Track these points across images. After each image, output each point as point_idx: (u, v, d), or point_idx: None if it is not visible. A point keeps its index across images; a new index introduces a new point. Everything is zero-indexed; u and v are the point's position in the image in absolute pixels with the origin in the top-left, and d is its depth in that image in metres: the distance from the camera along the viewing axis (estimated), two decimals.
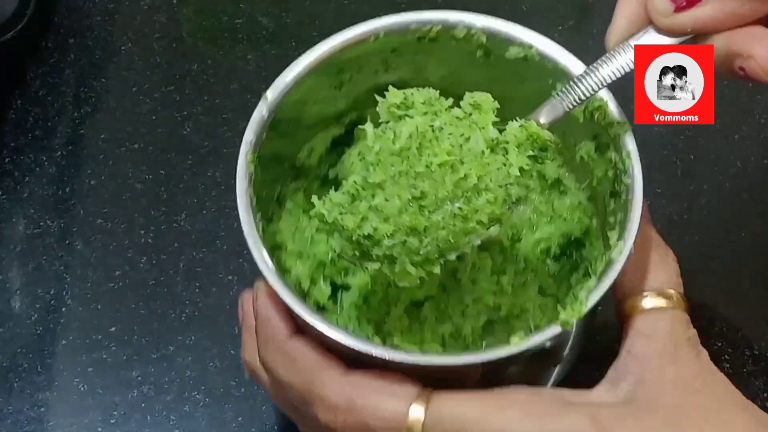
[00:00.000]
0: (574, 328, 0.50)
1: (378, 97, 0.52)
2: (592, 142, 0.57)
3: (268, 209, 0.59)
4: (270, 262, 0.52)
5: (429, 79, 0.60)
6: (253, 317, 0.55)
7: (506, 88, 0.60)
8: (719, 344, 0.69)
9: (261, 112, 0.56)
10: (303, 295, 0.57)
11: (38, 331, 0.70)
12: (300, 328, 0.52)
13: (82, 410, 0.68)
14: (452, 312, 0.58)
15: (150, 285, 0.72)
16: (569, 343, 0.55)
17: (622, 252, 0.51)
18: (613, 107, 0.55)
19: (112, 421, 0.67)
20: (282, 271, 0.53)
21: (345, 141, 0.62)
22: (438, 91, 0.52)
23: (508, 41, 0.57)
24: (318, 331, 0.50)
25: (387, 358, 0.49)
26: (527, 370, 0.54)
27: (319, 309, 0.58)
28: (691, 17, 0.47)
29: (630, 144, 0.54)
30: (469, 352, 0.52)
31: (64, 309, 0.71)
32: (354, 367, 0.51)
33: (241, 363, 0.68)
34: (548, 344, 0.50)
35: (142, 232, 0.74)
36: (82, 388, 0.68)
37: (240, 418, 0.67)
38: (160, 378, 0.69)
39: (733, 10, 0.47)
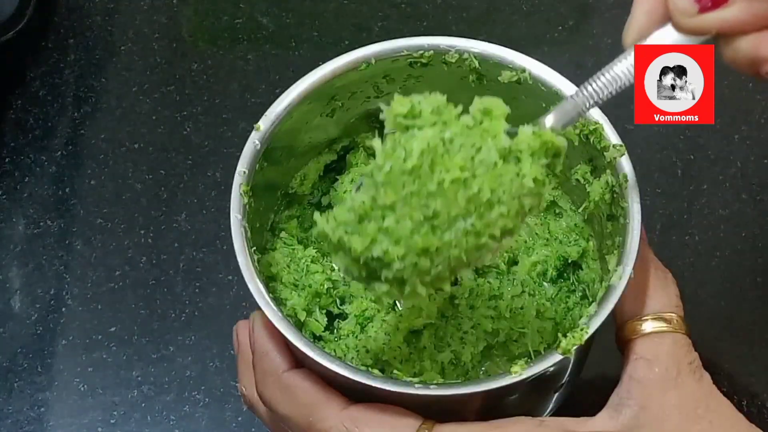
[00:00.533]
0: (573, 355, 0.50)
1: (382, 105, 0.48)
2: (587, 165, 0.57)
3: (262, 239, 0.59)
4: (267, 295, 0.52)
5: None
6: (249, 349, 0.54)
7: None
8: (719, 344, 0.69)
9: (253, 142, 0.56)
10: (299, 326, 0.57)
11: (38, 331, 0.70)
12: (298, 361, 0.52)
13: (82, 410, 0.68)
14: (451, 339, 0.58)
15: (150, 285, 0.72)
16: (569, 369, 0.55)
17: (621, 277, 0.51)
18: (608, 130, 0.55)
19: (112, 421, 0.67)
20: (278, 302, 0.53)
21: (337, 167, 0.63)
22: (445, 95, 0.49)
23: (501, 65, 0.57)
24: (317, 363, 0.50)
25: (387, 390, 0.49)
26: (528, 396, 0.54)
27: (316, 340, 0.58)
28: (716, 18, 0.45)
29: (627, 167, 0.54)
30: (469, 382, 0.51)
31: (64, 309, 0.71)
32: (354, 396, 0.50)
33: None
34: (549, 372, 0.51)
35: (142, 232, 0.74)
36: (82, 388, 0.68)
37: (240, 418, 0.68)
38: (160, 378, 0.69)
39: (762, 12, 0.44)
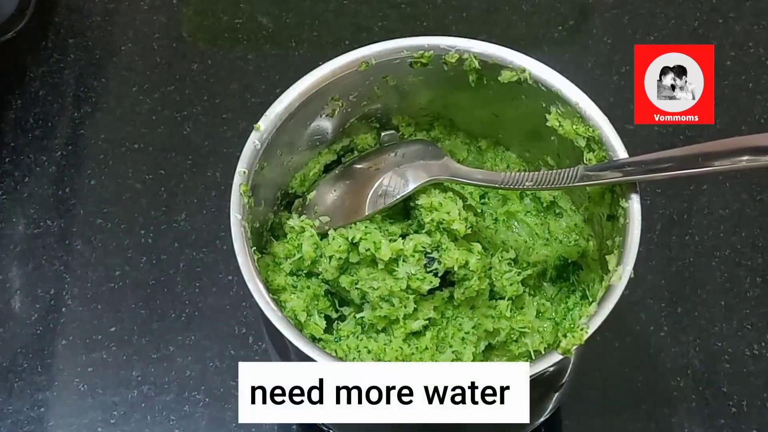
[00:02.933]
0: (573, 355, 0.50)
1: None
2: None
3: (262, 239, 0.59)
4: (267, 295, 0.52)
5: (419, 102, 0.61)
6: None
7: (498, 109, 0.60)
8: (719, 344, 0.69)
9: (253, 142, 0.56)
10: (299, 328, 0.57)
11: (38, 331, 0.70)
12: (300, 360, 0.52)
13: (82, 410, 0.68)
14: (452, 340, 0.58)
15: (150, 285, 0.72)
16: (569, 369, 0.55)
17: (621, 277, 0.51)
18: (609, 133, 0.55)
19: (112, 421, 0.67)
20: (277, 303, 0.53)
21: (336, 167, 0.62)
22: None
23: (501, 65, 0.57)
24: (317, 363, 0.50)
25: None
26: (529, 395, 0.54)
27: (315, 341, 0.58)
28: None
29: None
30: None
31: (64, 309, 0.71)
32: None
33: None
34: (549, 371, 0.51)
35: (142, 232, 0.74)
36: (82, 388, 0.68)
37: None
38: (160, 378, 0.69)
39: None
